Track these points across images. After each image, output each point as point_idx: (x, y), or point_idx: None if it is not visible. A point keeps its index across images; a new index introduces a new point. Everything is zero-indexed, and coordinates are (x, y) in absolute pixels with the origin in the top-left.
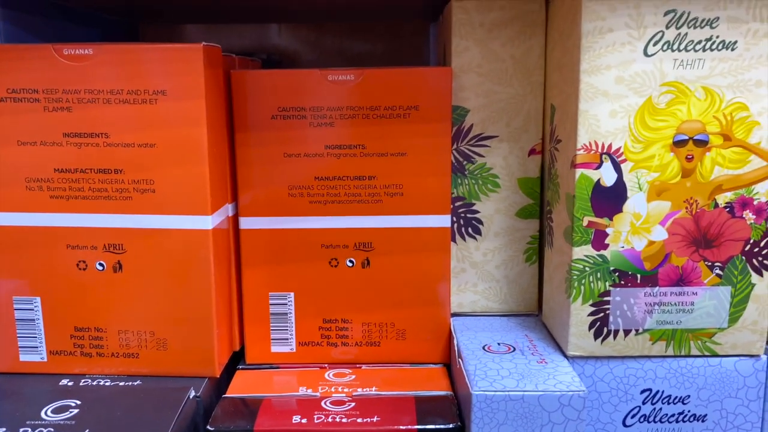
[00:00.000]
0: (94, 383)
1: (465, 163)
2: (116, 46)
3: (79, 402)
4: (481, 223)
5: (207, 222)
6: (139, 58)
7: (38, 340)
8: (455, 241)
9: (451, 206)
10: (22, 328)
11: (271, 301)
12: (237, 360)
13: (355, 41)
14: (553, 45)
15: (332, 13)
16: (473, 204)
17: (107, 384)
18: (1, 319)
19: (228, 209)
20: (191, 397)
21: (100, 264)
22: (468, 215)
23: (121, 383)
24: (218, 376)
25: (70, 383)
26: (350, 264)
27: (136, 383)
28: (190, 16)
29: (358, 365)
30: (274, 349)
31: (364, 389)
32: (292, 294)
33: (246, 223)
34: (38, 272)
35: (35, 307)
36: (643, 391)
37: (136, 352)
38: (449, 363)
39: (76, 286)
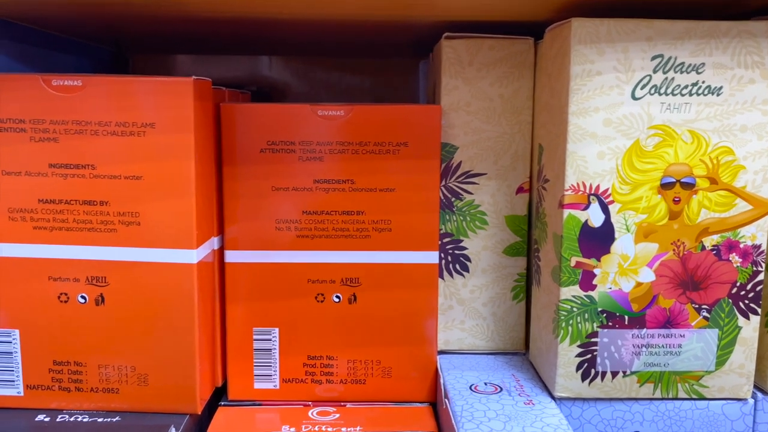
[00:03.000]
0: (72, 419)
1: (453, 199)
2: (105, 78)
3: None
4: (468, 259)
5: (192, 256)
6: (128, 90)
7: (15, 374)
8: (443, 278)
9: (440, 242)
10: None
11: (255, 337)
12: (218, 395)
13: (344, 75)
14: (542, 86)
15: (322, 47)
16: (461, 240)
17: (85, 420)
18: None
19: (213, 242)
20: None
21: (82, 296)
22: (456, 252)
23: (100, 419)
24: (199, 413)
25: (46, 419)
26: (337, 299)
27: (115, 419)
28: (181, 47)
29: (342, 403)
30: (257, 385)
31: (349, 429)
32: (276, 329)
33: (231, 256)
34: (18, 304)
35: (13, 339)
36: None
37: (116, 387)
38: (435, 402)
39: (57, 319)
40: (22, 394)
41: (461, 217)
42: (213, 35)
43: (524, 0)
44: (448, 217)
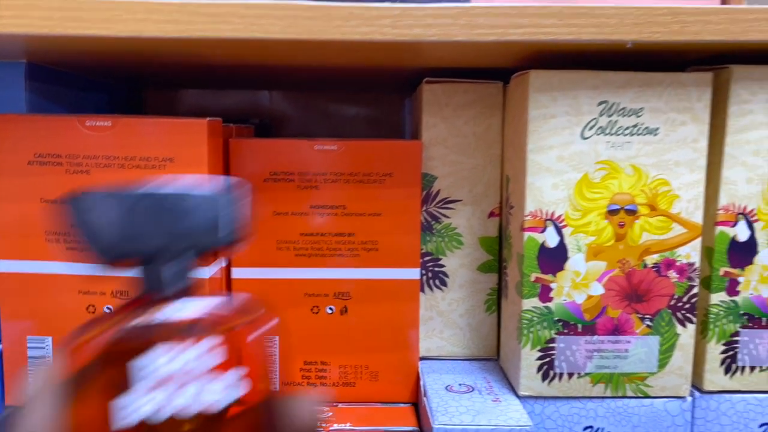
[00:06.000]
0: None
1: (433, 222)
2: (132, 119)
3: None
4: (447, 276)
5: (204, 272)
6: (151, 129)
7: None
8: (424, 292)
9: (421, 260)
10: (33, 366)
11: None
12: None
13: (339, 107)
14: (508, 125)
15: (319, 83)
16: (440, 259)
17: None
18: None
19: (221, 260)
20: None
21: (107, 308)
22: (435, 269)
23: None
24: None
25: None
26: (330, 311)
27: None
28: (189, 83)
29: (335, 404)
30: None
31: (340, 425)
32: (277, 338)
33: (238, 273)
34: (49, 314)
35: (46, 345)
36: (585, 428)
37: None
38: (417, 402)
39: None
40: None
41: (440, 238)
42: (220, 75)
43: (492, 53)
44: (428, 238)
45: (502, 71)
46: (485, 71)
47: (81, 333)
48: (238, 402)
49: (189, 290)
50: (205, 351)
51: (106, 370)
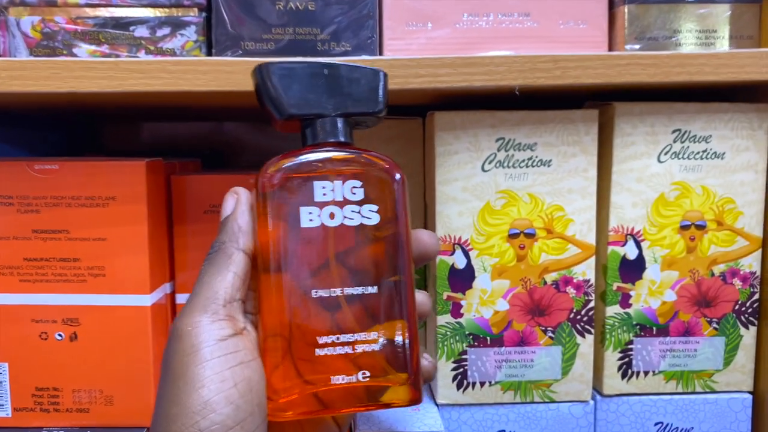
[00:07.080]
0: None
1: None
2: (76, 162)
3: None
4: None
5: (146, 300)
6: (94, 171)
7: (4, 399)
8: None
9: None
10: None
11: None
12: None
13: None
14: (426, 157)
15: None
16: None
17: None
18: None
19: (166, 288)
20: None
21: (59, 335)
22: None
23: None
24: None
25: None
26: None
27: None
28: (145, 117)
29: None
30: None
31: None
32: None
33: (181, 298)
34: (7, 342)
35: (3, 371)
36: None
37: (87, 408)
38: None
39: (39, 353)
40: (10, 415)
41: None
42: (171, 112)
43: (400, 97)
44: None
45: (420, 108)
46: (408, 106)
47: (269, 164)
48: (374, 228)
49: (343, 144)
50: (349, 188)
51: (287, 189)
